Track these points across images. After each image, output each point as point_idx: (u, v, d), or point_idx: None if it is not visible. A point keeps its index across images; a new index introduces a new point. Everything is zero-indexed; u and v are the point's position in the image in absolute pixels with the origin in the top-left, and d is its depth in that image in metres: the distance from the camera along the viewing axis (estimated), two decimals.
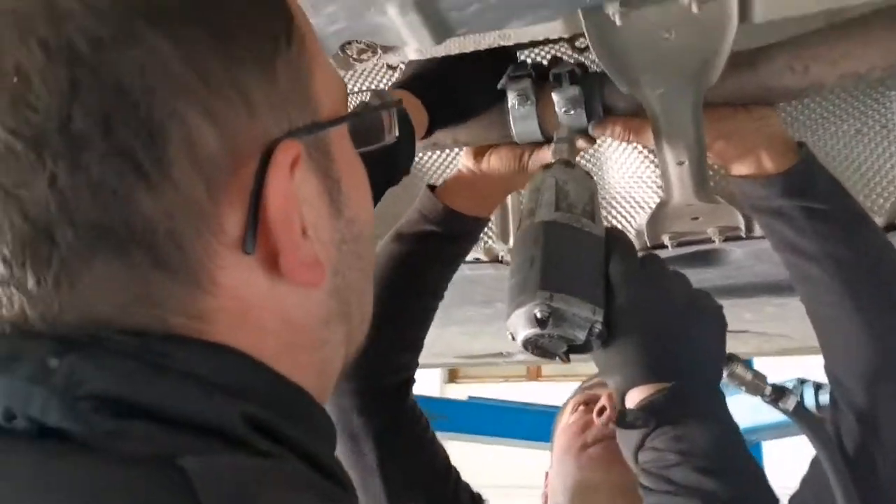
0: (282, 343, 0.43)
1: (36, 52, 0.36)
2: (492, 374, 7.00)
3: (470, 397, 3.55)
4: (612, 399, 1.16)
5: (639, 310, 0.80)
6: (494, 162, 1.04)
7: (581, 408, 1.20)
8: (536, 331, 0.77)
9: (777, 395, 1.06)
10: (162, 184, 0.37)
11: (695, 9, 0.72)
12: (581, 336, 0.77)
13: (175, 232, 0.38)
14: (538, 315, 0.76)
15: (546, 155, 0.97)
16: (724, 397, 0.82)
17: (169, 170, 0.38)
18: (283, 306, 0.43)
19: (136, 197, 0.37)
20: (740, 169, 0.94)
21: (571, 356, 0.81)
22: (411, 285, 1.04)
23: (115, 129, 0.36)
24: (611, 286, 0.80)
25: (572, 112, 0.94)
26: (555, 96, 0.95)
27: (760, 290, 1.39)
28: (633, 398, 0.80)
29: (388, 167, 0.85)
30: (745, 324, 1.63)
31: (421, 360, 1.08)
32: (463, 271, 1.38)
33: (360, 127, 0.50)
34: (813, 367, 1.19)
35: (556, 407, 1.33)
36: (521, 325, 0.78)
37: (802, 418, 0.90)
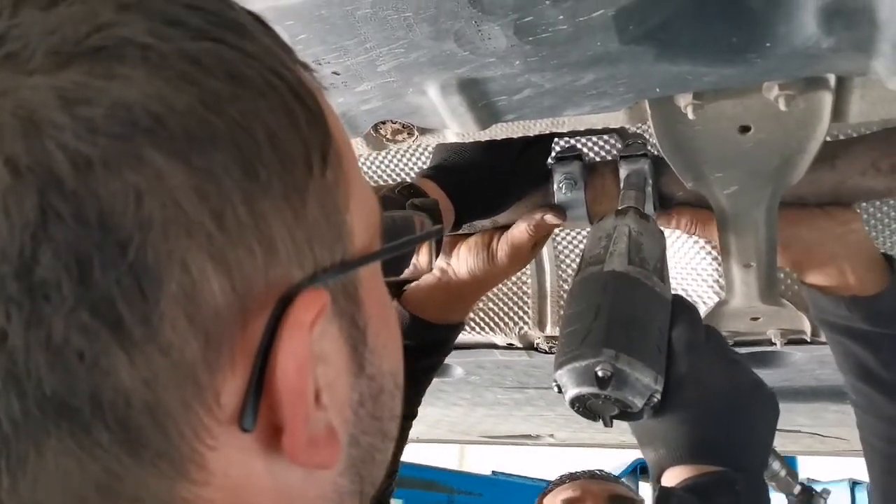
0: None
1: (0, 173, 0.27)
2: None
3: (493, 472, 3.41)
4: None
5: (698, 384, 0.72)
6: (464, 252, 0.94)
7: None
8: (593, 390, 0.68)
9: (806, 496, 0.96)
10: (146, 346, 0.29)
11: (782, 106, 0.62)
12: (639, 404, 0.69)
13: (156, 406, 0.29)
14: (599, 374, 0.68)
15: (515, 234, 0.91)
16: (767, 490, 0.75)
17: (158, 328, 0.29)
18: (283, 491, 0.34)
19: (109, 362, 0.28)
20: (817, 279, 0.84)
21: (615, 421, 0.74)
22: None
23: (92, 275, 0.28)
24: (672, 354, 0.73)
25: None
26: (622, 168, 0.87)
27: (821, 395, 1.28)
28: (674, 476, 0.72)
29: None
30: (799, 426, 1.51)
31: (445, 436, 0.99)
32: (495, 356, 1.29)
33: (395, 257, 0.42)
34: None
35: None
36: (575, 381, 0.69)
37: None
